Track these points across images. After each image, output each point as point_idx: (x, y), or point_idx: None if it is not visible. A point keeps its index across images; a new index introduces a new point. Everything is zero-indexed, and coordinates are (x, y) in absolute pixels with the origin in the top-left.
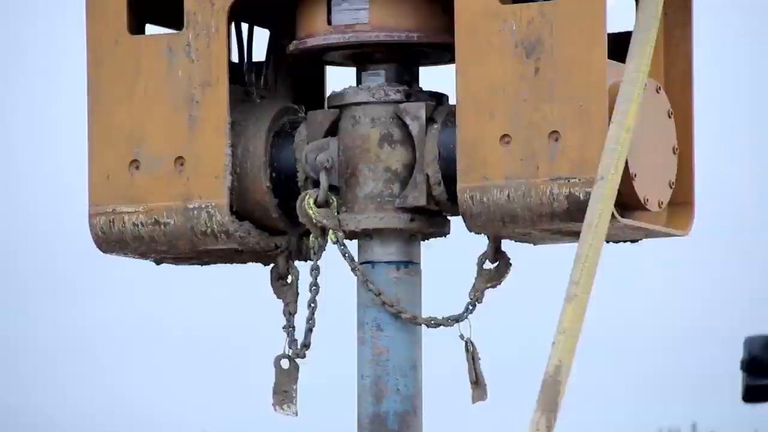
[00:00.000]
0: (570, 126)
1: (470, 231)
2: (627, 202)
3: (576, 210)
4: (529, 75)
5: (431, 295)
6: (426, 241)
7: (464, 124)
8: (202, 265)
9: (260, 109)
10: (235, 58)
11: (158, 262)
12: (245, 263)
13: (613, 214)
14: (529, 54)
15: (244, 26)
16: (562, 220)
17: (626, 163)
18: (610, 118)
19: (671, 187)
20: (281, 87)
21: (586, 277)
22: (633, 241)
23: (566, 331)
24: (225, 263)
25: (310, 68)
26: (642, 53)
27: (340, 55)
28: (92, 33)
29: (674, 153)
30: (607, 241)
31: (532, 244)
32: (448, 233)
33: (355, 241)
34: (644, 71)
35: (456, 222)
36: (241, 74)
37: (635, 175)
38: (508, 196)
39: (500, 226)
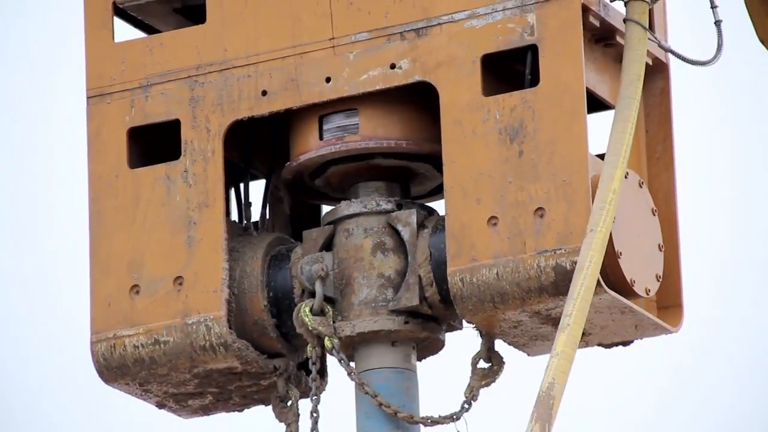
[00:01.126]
0: (554, 201)
1: (462, 317)
2: (614, 281)
3: (563, 281)
4: (513, 158)
5: (429, 394)
6: (420, 361)
7: (452, 211)
8: (204, 412)
9: (257, 238)
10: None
11: (160, 405)
12: (246, 401)
13: (600, 285)
14: (513, 139)
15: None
16: (551, 294)
17: (612, 242)
18: (592, 192)
19: (658, 281)
20: (279, 225)
21: (578, 311)
22: (624, 343)
23: (560, 354)
24: (226, 401)
25: (305, 207)
26: (624, 128)
27: (333, 176)
28: (93, 169)
29: (660, 250)
30: (599, 345)
31: (525, 354)
32: (443, 345)
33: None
34: (627, 144)
35: (451, 337)
36: (240, 222)
37: (620, 254)
38: (497, 274)
39: (491, 308)
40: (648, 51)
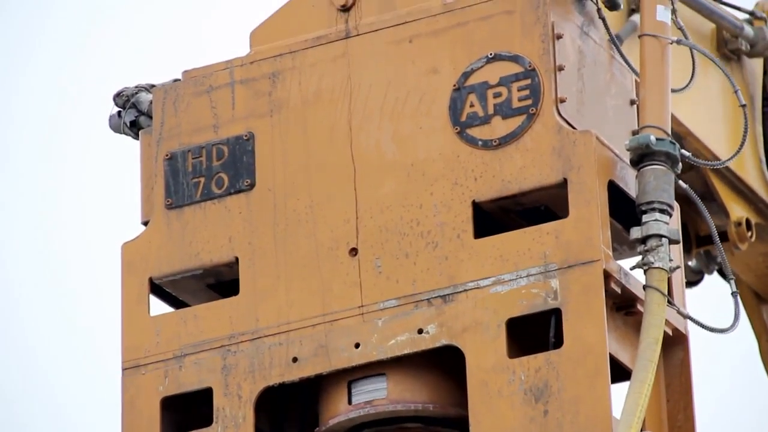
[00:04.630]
0: None
1: None
2: None
3: None
4: (538, 417)
5: None
6: None
7: None
8: None
9: None
10: None
11: None
12: None
13: None
14: (538, 399)
15: None
16: None
17: None
18: None
19: None
20: None
21: None
22: None
23: None
24: None
25: None
26: (640, 389)
27: None
28: None
29: None
30: None
31: None
32: None
33: None
34: (642, 405)
35: None
36: None
37: None
38: None
39: None
40: (668, 322)
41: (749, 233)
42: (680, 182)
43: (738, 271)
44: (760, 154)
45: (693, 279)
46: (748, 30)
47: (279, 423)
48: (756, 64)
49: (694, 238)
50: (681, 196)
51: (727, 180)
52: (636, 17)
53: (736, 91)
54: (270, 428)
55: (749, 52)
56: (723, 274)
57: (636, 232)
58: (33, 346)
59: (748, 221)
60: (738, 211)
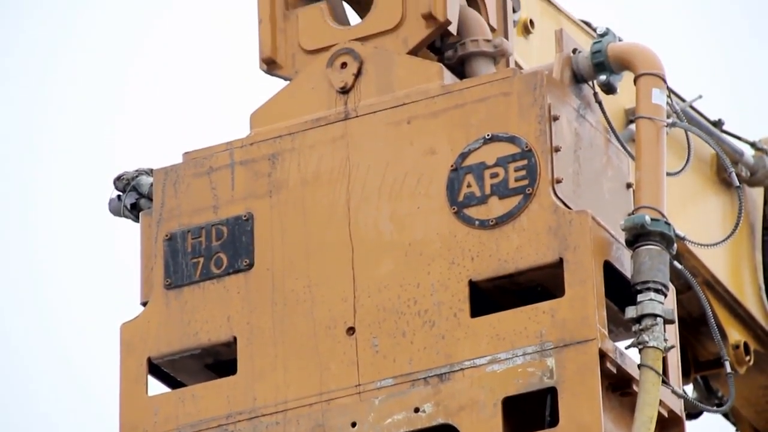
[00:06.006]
0: None
1: None
2: None
3: None
4: None
5: None
6: None
7: None
8: None
9: None
10: None
11: None
12: None
13: None
14: None
15: None
16: None
17: None
18: None
19: None
20: None
21: None
22: None
23: None
24: None
25: None
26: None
27: None
28: None
29: None
30: None
31: None
32: None
33: None
34: None
35: None
36: None
37: None
38: None
39: None
40: (664, 404)
41: (747, 357)
42: (675, 263)
43: (738, 405)
44: (760, 281)
45: (693, 411)
46: (748, 157)
47: None
48: (757, 194)
49: (693, 363)
50: (680, 320)
51: (725, 303)
52: (633, 126)
53: (729, 174)
54: None
55: (749, 179)
56: (721, 404)
57: (631, 312)
58: (32, 424)
59: (746, 345)
60: (736, 335)
